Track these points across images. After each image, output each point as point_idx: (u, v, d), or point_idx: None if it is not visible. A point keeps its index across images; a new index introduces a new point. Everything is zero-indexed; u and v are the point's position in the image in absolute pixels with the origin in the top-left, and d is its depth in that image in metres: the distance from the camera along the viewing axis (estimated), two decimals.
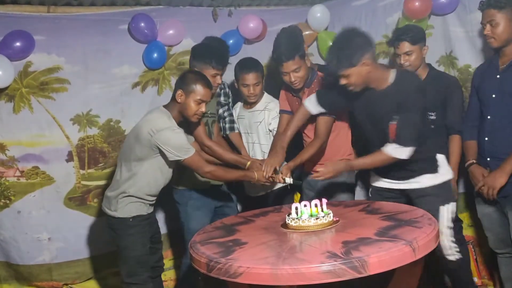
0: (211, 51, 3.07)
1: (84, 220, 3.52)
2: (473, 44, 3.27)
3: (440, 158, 2.80)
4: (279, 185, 3.22)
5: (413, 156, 2.60)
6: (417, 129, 2.57)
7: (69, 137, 3.43)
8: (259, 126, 3.34)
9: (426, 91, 2.68)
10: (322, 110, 2.93)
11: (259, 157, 3.30)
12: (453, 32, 3.32)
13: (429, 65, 3.13)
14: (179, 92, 2.74)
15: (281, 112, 3.24)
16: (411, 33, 2.97)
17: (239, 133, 3.46)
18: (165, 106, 2.81)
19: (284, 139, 2.95)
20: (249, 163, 2.99)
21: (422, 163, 2.72)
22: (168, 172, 2.82)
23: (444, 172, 2.79)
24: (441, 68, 3.38)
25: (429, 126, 2.85)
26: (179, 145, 2.66)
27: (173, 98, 2.80)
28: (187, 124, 2.90)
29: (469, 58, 3.31)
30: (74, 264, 3.53)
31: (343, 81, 2.60)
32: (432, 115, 2.95)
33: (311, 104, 2.94)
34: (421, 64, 3.03)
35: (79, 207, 3.50)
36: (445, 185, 2.76)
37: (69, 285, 3.54)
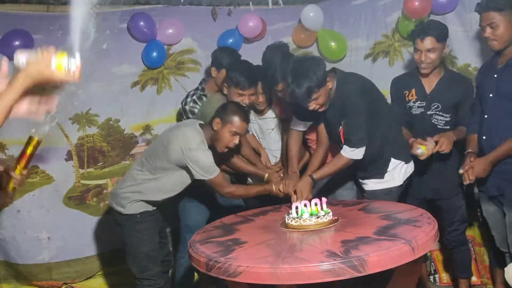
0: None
1: (83, 219, 3.52)
2: (473, 43, 3.27)
3: (393, 163, 2.84)
4: None
5: (363, 157, 2.73)
6: (362, 129, 2.68)
7: (68, 136, 3.43)
8: (271, 133, 3.33)
9: (370, 91, 2.76)
10: (309, 122, 2.99)
11: (273, 162, 3.32)
12: (452, 31, 3.31)
13: (443, 65, 3.04)
14: (217, 120, 2.76)
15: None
16: (438, 29, 2.85)
17: (253, 135, 3.44)
18: (200, 126, 2.82)
19: (293, 165, 2.98)
20: (266, 175, 3.03)
21: (371, 166, 2.83)
22: (187, 185, 2.86)
23: (390, 179, 2.83)
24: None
25: (384, 127, 2.84)
26: (207, 166, 2.70)
27: (210, 124, 2.81)
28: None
29: (469, 57, 3.31)
30: (74, 263, 3.53)
31: (312, 106, 2.64)
32: (446, 117, 2.93)
33: (296, 125, 3.01)
34: (439, 64, 2.92)
35: (79, 206, 3.51)
36: (390, 192, 2.82)
37: (69, 284, 3.54)
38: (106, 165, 3.55)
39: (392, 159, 2.84)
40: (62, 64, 1.30)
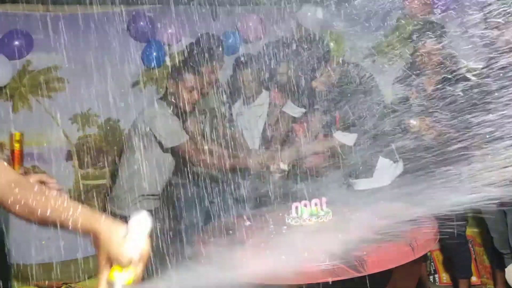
0: None
1: None
2: (472, 44, 3.27)
3: (382, 162, 2.84)
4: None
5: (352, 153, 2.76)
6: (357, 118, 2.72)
7: (68, 136, 3.43)
8: (258, 121, 3.36)
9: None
10: (303, 110, 3.06)
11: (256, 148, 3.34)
12: (452, 31, 3.32)
13: None
14: (170, 82, 2.86)
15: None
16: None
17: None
18: (160, 98, 2.92)
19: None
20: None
21: (360, 163, 2.83)
22: (165, 166, 2.86)
23: (378, 178, 2.84)
24: None
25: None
26: (172, 131, 2.73)
27: (167, 92, 2.88)
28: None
29: (468, 57, 3.31)
30: (74, 263, 3.53)
31: (314, 84, 2.76)
32: None
33: (289, 109, 3.08)
34: None
35: None
36: (379, 191, 2.80)
37: (69, 284, 3.54)
38: (106, 165, 3.55)
39: (380, 157, 2.85)
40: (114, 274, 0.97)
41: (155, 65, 3.62)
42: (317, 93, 2.80)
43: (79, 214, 1.00)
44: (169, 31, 3.60)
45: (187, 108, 2.85)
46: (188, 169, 3.09)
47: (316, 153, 2.86)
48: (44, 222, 1.07)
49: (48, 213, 1.02)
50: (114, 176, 3.56)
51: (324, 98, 2.82)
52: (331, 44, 3.84)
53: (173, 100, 2.83)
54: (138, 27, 3.48)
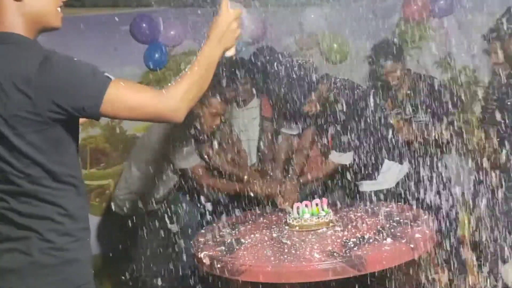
0: None
1: None
2: (471, 46, 3.30)
3: (387, 164, 2.86)
4: None
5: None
6: (350, 134, 2.71)
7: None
8: (254, 122, 3.39)
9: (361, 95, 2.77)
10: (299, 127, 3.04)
11: (254, 153, 3.35)
12: (452, 34, 3.36)
13: None
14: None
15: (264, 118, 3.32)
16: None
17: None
18: None
19: (279, 168, 3.02)
20: (246, 177, 3.00)
21: (365, 167, 2.82)
22: (172, 177, 2.88)
23: (382, 181, 2.86)
24: (439, 70, 3.42)
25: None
26: (185, 152, 2.72)
27: None
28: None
29: (467, 60, 3.34)
30: None
31: (307, 108, 2.71)
32: None
33: (288, 129, 3.05)
34: None
35: None
36: (383, 193, 2.84)
37: None
38: (109, 165, 3.58)
39: (386, 160, 2.88)
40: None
41: (158, 66, 3.65)
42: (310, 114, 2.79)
43: None
44: (172, 33, 3.63)
45: (206, 132, 2.82)
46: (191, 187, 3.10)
47: (319, 177, 2.88)
48: None
49: None
50: (117, 176, 3.60)
51: (316, 118, 2.81)
52: (334, 45, 3.87)
53: (195, 123, 2.78)
54: (140, 28, 3.51)
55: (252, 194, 2.85)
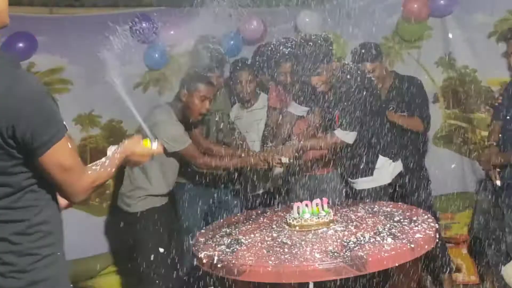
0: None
1: (86, 219, 3.54)
2: (472, 46, 3.30)
3: (381, 160, 2.87)
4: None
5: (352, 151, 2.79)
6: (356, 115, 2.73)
7: (71, 138, 3.45)
8: (260, 124, 3.38)
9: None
10: (306, 108, 3.07)
11: None
12: (451, 33, 3.36)
13: None
14: (183, 91, 2.87)
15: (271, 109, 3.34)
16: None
17: None
18: (169, 104, 2.94)
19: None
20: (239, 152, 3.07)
21: (360, 162, 2.85)
22: (172, 167, 2.93)
23: (378, 177, 2.87)
24: (440, 69, 3.42)
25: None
26: (176, 136, 2.79)
27: (177, 99, 2.93)
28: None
29: (468, 59, 3.34)
30: (76, 263, 3.54)
31: (314, 81, 2.77)
32: None
33: (294, 109, 3.08)
34: None
35: (82, 206, 3.52)
36: (379, 190, 2.86)
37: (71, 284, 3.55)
38: None
39: (380, 156, 2.87)
40: (148, 144, 1.86)
41: (157, 66, 3.64)
42: (318, 91, 2.82)
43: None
44: (171, 33, 3.63)
45: (198, 117, 2.92)
46: (191, 169, 3.13)
47: (317, 148, 2.88)
48: None
49: None
50: (120, 173, 3.61)
51: (325, 96, 2.84)
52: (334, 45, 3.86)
53: (183, 108, 2.88)
54: (140, 28, 3.50)
55: (248, 167, 2.91)
